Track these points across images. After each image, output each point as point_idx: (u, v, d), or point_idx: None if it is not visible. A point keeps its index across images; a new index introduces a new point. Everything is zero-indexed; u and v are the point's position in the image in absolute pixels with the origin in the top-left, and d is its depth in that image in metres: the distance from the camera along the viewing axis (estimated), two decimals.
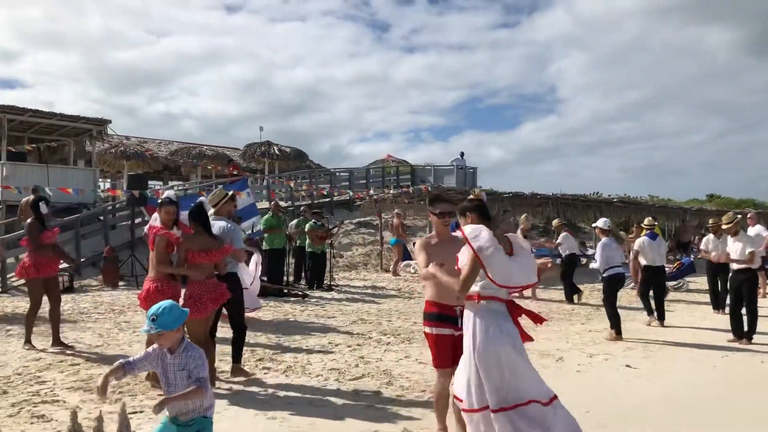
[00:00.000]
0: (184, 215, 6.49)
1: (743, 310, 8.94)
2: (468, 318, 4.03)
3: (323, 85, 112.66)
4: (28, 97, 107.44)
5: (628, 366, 7.39)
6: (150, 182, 24.38)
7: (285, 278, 14.10)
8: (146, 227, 6.49)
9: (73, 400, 5.57)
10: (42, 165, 19.60)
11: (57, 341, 7.75)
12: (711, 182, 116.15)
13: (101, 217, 17.49)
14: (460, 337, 4.20)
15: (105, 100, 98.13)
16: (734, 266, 9.16)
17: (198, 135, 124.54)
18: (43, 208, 7.90)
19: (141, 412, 5.21)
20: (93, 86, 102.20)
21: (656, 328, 10.04)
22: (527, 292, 13.39)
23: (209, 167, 26.02)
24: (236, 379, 6.34)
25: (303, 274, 14.89)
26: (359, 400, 5.82)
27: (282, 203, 17.89)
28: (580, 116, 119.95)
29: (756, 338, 8.84)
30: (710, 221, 12.46)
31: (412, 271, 17.01)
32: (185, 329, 3.55)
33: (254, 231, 13.15)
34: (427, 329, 4.50)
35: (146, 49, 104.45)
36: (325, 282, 14.41)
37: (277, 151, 30.82)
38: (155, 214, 6.43)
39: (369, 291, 14.23)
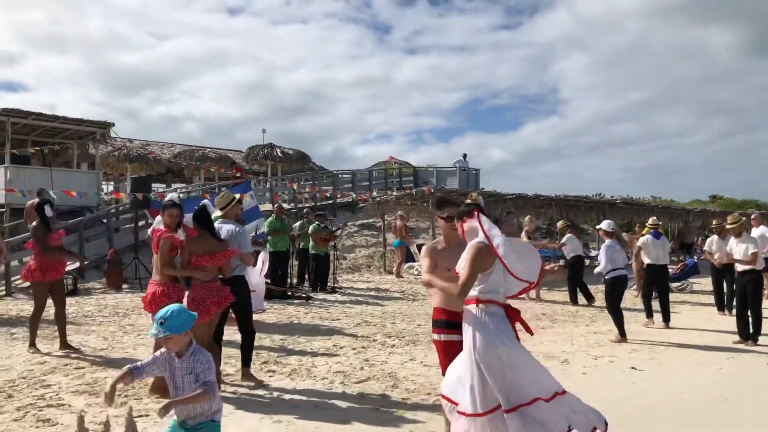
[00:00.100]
0: (187, 218, 6.49)
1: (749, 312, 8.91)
2: (467, 322, 4.03)
3: (325, 87, 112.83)
4: (30, 100, 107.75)
5: (633, 368, 7.37)
6: (153, 185, 24.37)
7: (288, 280, 14.10)
8: (149, 230, 6.49)
9: (79, 403, 5.57)
10: (45, 168, 19.63)
11: (64, 344, 7.74)
12: (713, 183, 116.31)
13: (105, 220, 17.49)
14: None
15: (107, 103, 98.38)
16: (739, 268, 9.13)
17: (200, 137, 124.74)
18: (48, 211, 7.91)
19: (147, 415, 5.20)
20: (95, 89, 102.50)
21: (661, 330, 10.01)
22: (531, 294, 13.38)
23: (212, 170, 25.98)
24: (241, 383, 6.33)
25: (306, 277, 14.89)
26: (365, 403, 5.80)
27: (285, 205, 17.90)
28: (581, 117, 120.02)
29: (762, 339, 8.82)
30: (714, 222, 12.44)
31: (416, 273, 17.00)
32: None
33: (258, 233, 13.14)
34: (436, 336, 4.48)
35: (148, 51, 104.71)
36: (328, 284, 14.41)
37: (279, 154, 30.89)
38: (158, 217, 6.43)
39: (373, 293, 14.22)
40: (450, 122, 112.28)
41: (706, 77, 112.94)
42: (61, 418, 5.15)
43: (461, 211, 4.28)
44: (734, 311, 9.57)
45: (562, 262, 17.23)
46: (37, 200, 12.31)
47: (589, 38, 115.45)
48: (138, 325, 9.54)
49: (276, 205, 15.37)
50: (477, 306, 3.99)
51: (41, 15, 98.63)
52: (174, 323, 3.18)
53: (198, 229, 6.07)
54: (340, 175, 27.71)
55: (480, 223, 4.03)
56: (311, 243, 14.31)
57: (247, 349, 6.42)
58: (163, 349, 3.33)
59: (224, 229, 6.25)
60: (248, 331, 6.42)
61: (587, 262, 16.19)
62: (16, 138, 19.59)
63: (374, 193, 22.72)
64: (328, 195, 23.20)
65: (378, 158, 39.62)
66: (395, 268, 17.79)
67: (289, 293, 13.13)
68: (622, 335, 9.04)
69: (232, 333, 6.91)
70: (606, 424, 4.00)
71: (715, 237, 11.79)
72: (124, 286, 14.11)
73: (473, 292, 3.98)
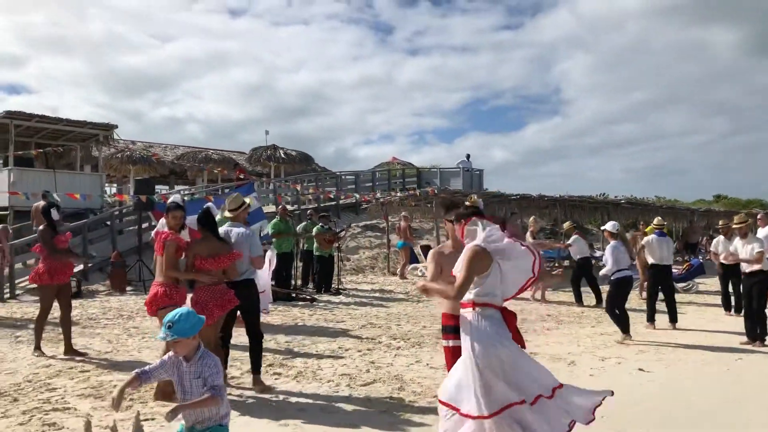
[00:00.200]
0: (191, 219, 6.47)
1: None
2: (465, 325, 4.02)
3: (327, 89, 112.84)
4: (32, 103, 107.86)
5: (641, 369, 7.33)
6: (156, 187, 24.38)
7: (293, 282, 14.07)
8: (153, 232, 6.47)
9: (84, 407, 5.55)
10: (49, 170, 19.64)
11: (69, 349, 7.72)
12: (716, 183, 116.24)
13: (108, 222, 17.49)
14: None
15: (109, 105, 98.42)
16: (745, 268, 9.08)
17: (202, 139, 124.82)
18: (55, 214, 7.90)
19: (153, 419, 5.18)
20: (97, 91, 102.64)
21: (668, 331, 9.96)
22: (537, 295, 13.34)
23: (215, 171, 26.02)
24: (248, 386, 6.29)
25: (311, 278, 14.86)
26: (371, 406, 5.77)
27: (288, 207, 17.87)
28: (584, 117, 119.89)
29: None
30: (720, 222, 12.39)
31: (420, 274, 16.95)
32: None
33: (261, 235, 13.12)
34: (445, 342, 4.45)
35: (150, 53, 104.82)
36: (332, 286, 14.37)
37: (282, 155, 30.92)
38: (162, 220, 6.40)
39: (377, 295, 14.18)
40: (452, 123, 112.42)
41: (708, 77, 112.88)
42: (67, 422, 5.13)
43: (460, 214, 4.27)
44: (742, 312, 9.53)
45: (566, 263, 17.24)
46: (42, 203, 12.31)
47: (591, 38, 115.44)
48: (142, 328, 9.52)
49: (280, 207, 15.35)
50: (473, 309, 3.98)
51: (43, 17, 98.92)
52: (182, 327, 3.15)
53: (202, 231, 6.05)
54: (343, 177, 27.69)
55: (477, 226, 4.02)
56: (315, 244, 14.29)
57: (255, 354, 6.31)
58: (171, 353, 3.30)
59: (234, 232, 6.22)
60: (255, 334, 6.32)
61: (593, 262, 16.15)
62: (19, 140, 19.63)
63: (378, 195, 22.68)
64: (332, 196, 23.17)
65: (380, 159, 39.67)
66: (399, 269, 17.74)
67: (294, 295, 13.09)
68: (626, 332, 9.01)
69: (236, 335, 6.88)
70: (597, 404, 3.98)
71: (721, 237, 11.73)
72: (128, 288, 14.10)
73: (470, 296, 3.97)
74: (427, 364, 7.41)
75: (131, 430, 3.94)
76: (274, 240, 13.50)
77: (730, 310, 11.76)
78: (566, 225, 14.97)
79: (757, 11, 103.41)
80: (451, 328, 4.38)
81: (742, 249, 9.08)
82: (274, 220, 13.82)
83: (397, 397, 6.04)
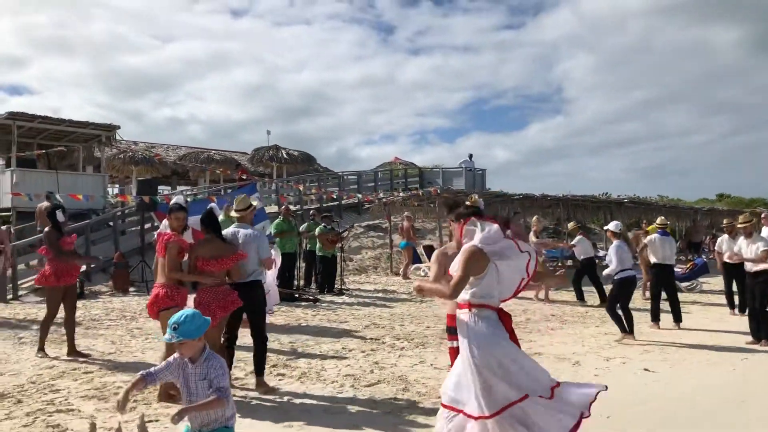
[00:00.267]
0: (194, 220, 6.45)
1: None
2: (461, 327, 4.01)
3: (329, 88, 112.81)
4: (35, 104, 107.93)
5: (646, 369, 7.30)
6: (159, 187, 24.40)
7: (295, 282, 14.06)
8: (156, 233, 6.46)
9: (88, 408, 5.53)
10: (51, 171, 19.64)
11: (72, 351, 7.70)
12: (719, 182, 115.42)
13: (111, 223, 17.50)
14: None
15: (111, 106, 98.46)
16: (749, 268, 9.04)
17: (204, 139, 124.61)
18: (60, 216, 7.89)
19: (157, 420, 5.16)
20: (99, 92, 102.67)
21: (673, 331, 9.93)
22: (540, 295, 13.31)
23: (218, 172, 26.01)
24: (251, 387, 6.27)
25: (313, 279, 14.84)
26: (376, 407, 5.74)
27: (291, 207, 17.85)
28: (586, 117, 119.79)
29: None
30: (725, 221, 12.35)
31: (422, 274, 16.93)
32: None
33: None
34: (450, 343, 4.44)
35: (152, 54, 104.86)
36: (335, 286, 14.36)
37: (285, 155, 30.91)
38: (165, 221, 6.38)
39: (380, 295, 14.16)
40: (454, 122, 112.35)
41: (710, 76, 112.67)
42: (71, 423, 5.11)
43: (459, 213, 4.26)
44: (746, 311, 9.50)
45: (569, 262, 17.21)
46: (46, 203, 12.30)
47: (593, 38, 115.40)
48: (146, 329, 9.51)
49: (283, 207, 15.33)
50: (470, 311, 3.97)
51: (45, 18, 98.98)
52: (188, 328, 3.14)
53: (205, 232, 6.03)
54: (345, 177, 27.66)
55: (476, 226, 4.00)
56: (318, 245, 14.27)
57: (260, 356, 6.24)
58: (176, 355, 3.28)
59: (241, 233, 6.20)
60: (261, 336, 6.26)
61: (596, 261, 16.12)
62: (21, 141, 19.64)
63: (380, 195, 22.66)
64: (334, 196, 23.15)
65: (382, 159, 39.67)
66: (402, 269, 17.72)
67: (297, 295, 13.08)
68: (630, 331, 9.00)
69: (240, 336, 6.86)
70: (593, 399, 3.97)
71: (725, 236, 11.70)
72: (131, 289, 14.10)
73: (466, 297, 3.96)
74: (432, 365, 7.39)
75: (136, 431, 3.93)
76: (277, 240, 13.50)
77: (734, 309, 11.73)
78: (571, 225, 14.93)
79: (758, 9, 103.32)
80: (456, 329, 4.36)
81: (747, 248, 9.04)
82: (277, 221, 13.81)
83: (401, 398, 6.01)
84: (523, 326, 10.27)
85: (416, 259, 17.98)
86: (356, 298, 13.48)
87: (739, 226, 9.45)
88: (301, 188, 22.95)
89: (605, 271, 9.56)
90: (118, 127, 21.27)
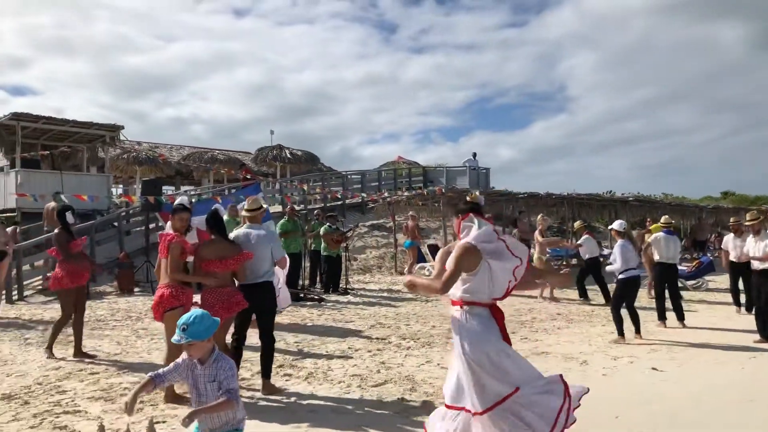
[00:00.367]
0: (198, 220, 6.43)
1: None
2: (454, 324, 4.01)
3: (331, 88, 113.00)
4: (38, 104, 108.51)
5: (654, 369, 7.26)
6: (163, 187, 24.41)
7: (300, 282, 14.04)
8: (159, 233, 6.45)
9: (95, 410, 5.52)
10: (56, 172, 19.66)
11: (79, 352, 7.70)
12: (724, 179, 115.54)
13: (115, 224, 17.51)
14: None
15: (114, 106, 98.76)
16: (756, 266, 8.98)
17: (207, 139, 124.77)
18: (70, 217, 7.88)
19: (164, 422, 5.14)
20: (102, 92, 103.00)
21: (680, 330, 9.88)
22: (546, 293, 13.27)
23: (222, 171, 26.02)
24: (258, 388, 6.24)
25: (318, 278, 14.83)
26: (383, 408, 5.71)
27: (295, 207, 17.84)
28: (590, 115, 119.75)
29: None
30: (732, 220, 12.29)
31: (427, 273, 16.90)
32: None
33: None
34: None
35: (155, 54, 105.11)
36: (340, 286, 14.34)
37: (288, 155, 30.90)
38: (169, 222, 6.37)
39: (385, 294, 14.14)
40: (457, 121, 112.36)
41: (714, 73, 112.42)
42: (78, 425, 5.10)
43: (458, 209, 4.26)
44: (753, 310, 9.45)
45: (574, 261, 17.15)
46: (53, 203, 12.30)
47: (596, 36, 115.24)
48: (151, 329, 9.50)
49: (288, 207, 15.31)
50: (462, 308, 3.96)
51: (48, 19, 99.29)
52: (197, 329, 3.11)
53: (210, 232, 6.01)
54: (349, 176, 27.65)
55: (473, 223, 4.00)
56: (323, 244, 14.26)
57: (266, 358, 6.18)
58: (185, 356, 3.26)
59: (253, 234, 6.17)
60: (268, 338, 6.19)
61: (601, 260, 16.07)
62: (25, 142, 19.64)
63: (385, 194, 22.64)
64: (338, 196, 23.13)
65: (385, 158, 39.61)
66: (406, 268, 17.68)
67: (302, 295, 13.07)
68: (637, 331, 8.97)
69: (247, 337, 6.84)
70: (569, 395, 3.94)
71: (731, 235, 11.65)
72: (136, 289, 14.10)
73: (458, 293, 3.94)
74: (438, 364, 7.36)
75: None
76: (282, 240, 13.48)
77: (740, 307, 11.66)
78: (577, 224, 14.87)
79: (761, 7, 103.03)
80: None
81: (754, 246, 8.98)
82: (282, 220, 13.79)
83: (409, 399, 5.99)
84: (530, 325, 10.24)
85: (421, 258, 17.95)
86: (361, 298, 13.46)
87: (746, 224, 9.41)
88: (305, 188, 22.93)
89: (608, 268, 9.53)
90: (122, 128, 21.27)
